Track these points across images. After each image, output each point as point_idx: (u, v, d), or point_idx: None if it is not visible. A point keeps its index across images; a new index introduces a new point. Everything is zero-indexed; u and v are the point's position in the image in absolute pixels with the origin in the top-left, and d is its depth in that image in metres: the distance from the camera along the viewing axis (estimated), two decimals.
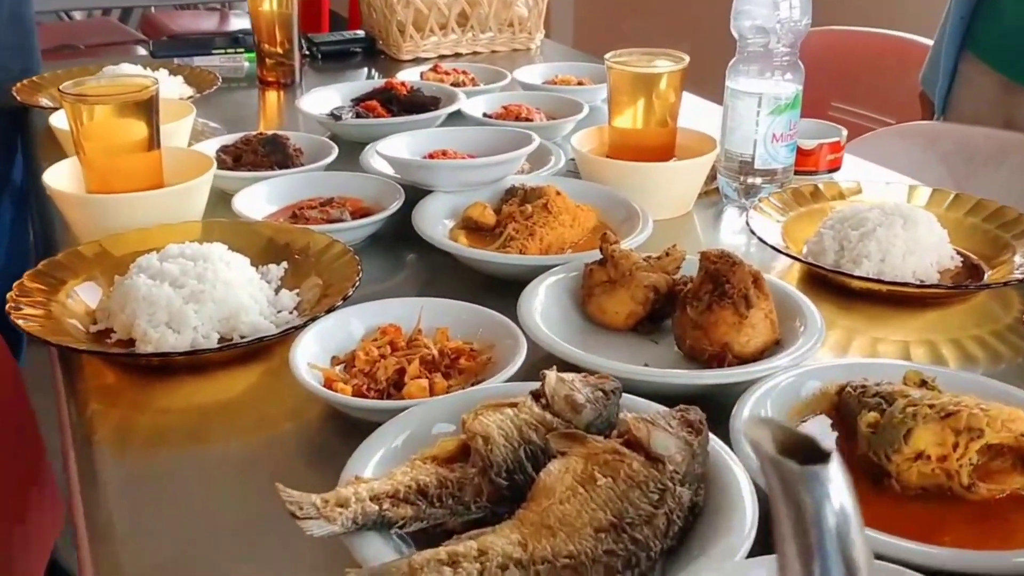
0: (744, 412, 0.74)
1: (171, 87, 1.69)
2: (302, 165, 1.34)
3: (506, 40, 2.16)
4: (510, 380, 0.81)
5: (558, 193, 1.14)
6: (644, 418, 0.67)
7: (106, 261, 1.01)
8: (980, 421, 0.67)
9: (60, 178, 1.13)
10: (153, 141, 1.12)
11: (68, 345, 0.85)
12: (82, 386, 0.89)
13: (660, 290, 0.92)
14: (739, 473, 0.67)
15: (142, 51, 3.90)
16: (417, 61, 2.03)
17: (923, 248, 1.03)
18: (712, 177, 1.30)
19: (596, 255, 0.96)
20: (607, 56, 1.26)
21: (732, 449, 0.70)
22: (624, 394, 0.74)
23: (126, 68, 1.65)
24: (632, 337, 0.93)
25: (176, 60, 1.97)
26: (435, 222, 1.13)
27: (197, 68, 1.82)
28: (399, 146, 1.25)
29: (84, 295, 0.96)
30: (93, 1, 4.67)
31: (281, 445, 0.81)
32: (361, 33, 2.16)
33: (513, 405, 0.70)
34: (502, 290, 0.97)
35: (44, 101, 1.63)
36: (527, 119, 1.54)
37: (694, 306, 0.87)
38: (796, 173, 1.32)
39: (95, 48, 4.05)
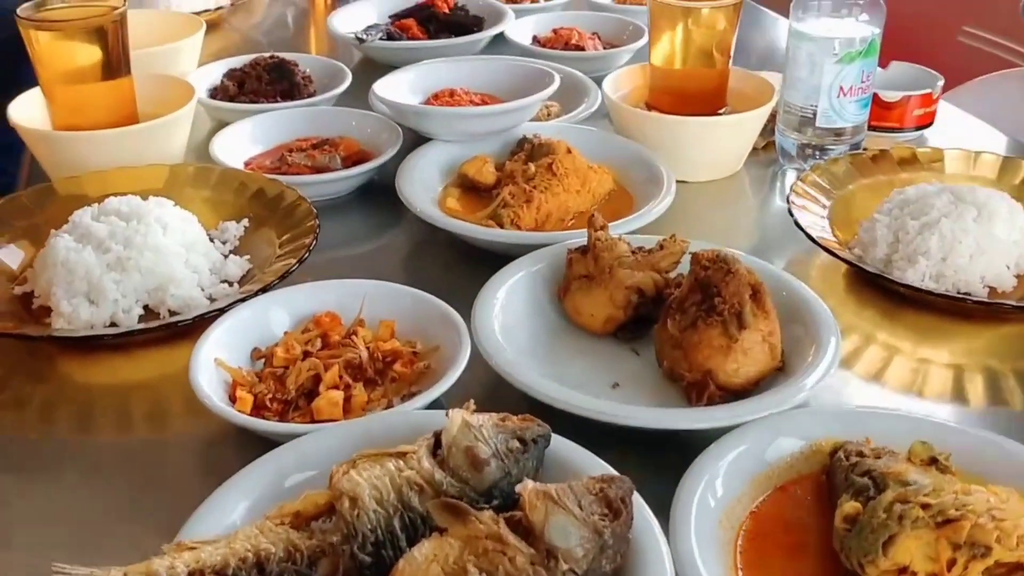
0: (698, 482, 0.59)
1: None
2: (310, 95, 1.21)
3: None
4: (449, 392, 0.68)
5: (569, 151, 0.98)
6: (546, 492, 0.53)
7: (49, 209, 0.92)
8: (988, 536, 0.51)
9: (28, 110, 1.03)
10: (118, 69, 1.01)
11: None
12: None
13: (646, 292, 0.76)
14: (666, 562, 0.53)
15: None
16: None
17: (998, 247, 0.84)
18: (770, 129, 1.11)
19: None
20: None
21: (669, 529, 0.55)
22: (556, 437, 0.60)
23: None
24: (610, 345, 0.78)
25: None
26: (426, 177, 0.99)
27: None
28: (403, 83, 1.10)
29: (6, 255, 0.87)
30: None
31: (177, 445, 0.71)
32: None
33: (401, 455, 0.57)
34: (494, 262, 0.83)
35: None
36: (577, 47, 1.36)
37: (676, 320, 0.71)
38: (875, 130, 1.11)
39: None
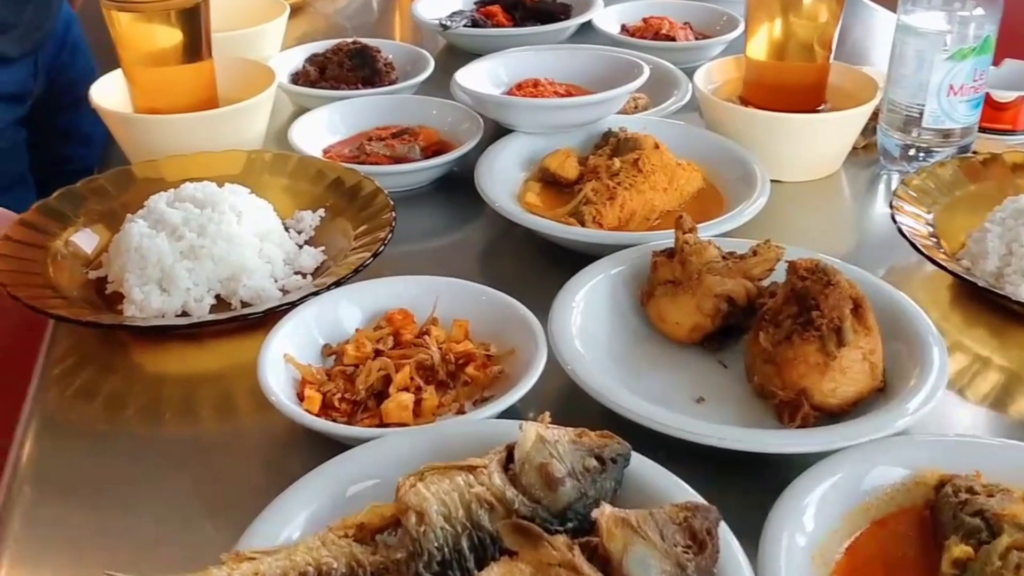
0: (789, 513, 0.54)
1: None
2: (392, 82, 1.19)
3: None
4: (523, 399, 0.65)
5: (656, 146, 0.93)
6: (625, 519, 0.49)
7: (126, 193, 0.91)
8: None
9: (109, 92, 1.03)
10: (199, 52, 1.00)
11: (22, 298, 0.74)
12: (59, 334, 0.79)
13: (737, 301, 0.71)
14: None
15: None
16: None
17: None
18: (871, 128, 1.05)
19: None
20: None
21: (757, 564, 0.51)
22: (636, 456, 0.56)
23: None
24: (695, 355, 0.73)
25: None
26: (506, 170, 0.95)
27: None
28: (486, 72, 1.07)
29: (82, 239, 0.86)
30: None
31: (244, 441, 0.69)
32: None
33: (471, 469, 0.54)
34: (574, 261, 0.79)
35: None
36: (668, 36, 1.31)
37: (770, 333, 0.67)
38: (986, 132, 1.04)
39: None
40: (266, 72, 1.08)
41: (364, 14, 1.65)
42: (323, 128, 1.06)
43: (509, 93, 1.05)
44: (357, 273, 0.78)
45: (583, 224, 0.87)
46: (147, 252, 0.79)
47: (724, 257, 0.73)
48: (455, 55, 1.35)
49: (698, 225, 0.77)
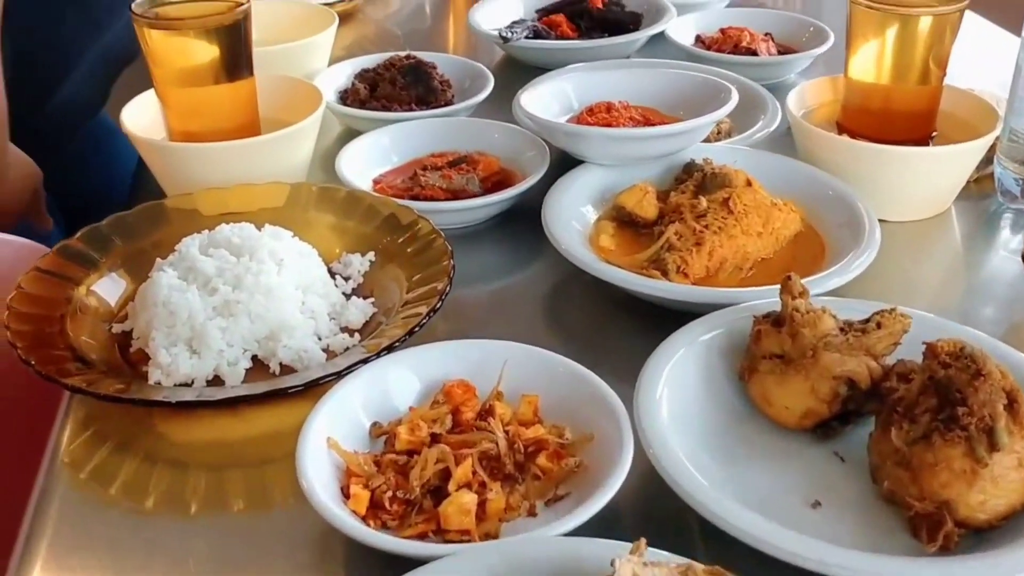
0: None
1: None
2: (448, 102, 1.09)
3: None
4: (611, 501, 0.55)
5: (748, 182, 0.83)
6: None
7: (157, 231, 0.82)
8: None
9: (141, 114, 0.94)
10: (239, 70, 0.91)
11: (33, 364, 0.65)
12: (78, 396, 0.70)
13: (859, 384, 0.60)
14: None
15: None
16: None
17: None
18: (986, 160, 0.93)
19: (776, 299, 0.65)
20: None
21: None
22: None
23: None
24: (807, 444, 0.63)
25: None
26: (576, 207, 0.85)
27: None
28: (552, 94, 0.96)
29: (106, 287, 0.77)
30: None
31: (280, 532, 0.60)
32: None
33: None
34: (656, 317, 0.69)
35: None
36: (748, 50, 1.19)
37: (904, 429, 0.56)
38: None
39: None
40: (312, 93, 0.99)
41: (416, 21, 1.56)
42: (374, 155, 0.97)
43: (579, 118, 0.95)
44: (411, 335, 0.69)
45: (666, 274, 0.76)
46: (176, 308, 0.70)
47: (842, 329, 0.62)
48: (515, 68, 1.25)
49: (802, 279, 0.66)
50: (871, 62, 0.91)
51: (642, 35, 1.22)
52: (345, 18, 1.45)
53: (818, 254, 0.80)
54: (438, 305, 0.71)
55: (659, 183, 0.89)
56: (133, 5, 0.86)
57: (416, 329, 0.69)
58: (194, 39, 0.87)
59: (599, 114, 0.93)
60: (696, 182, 0.85)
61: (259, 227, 0.79)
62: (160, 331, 0.70)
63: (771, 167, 0.88)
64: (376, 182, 0.95)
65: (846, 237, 0.79)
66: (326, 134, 1.08)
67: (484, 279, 0.87)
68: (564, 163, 0.91)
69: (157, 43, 0.87)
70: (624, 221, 0.85)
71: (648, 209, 0.84)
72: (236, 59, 0.91)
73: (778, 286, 0.65)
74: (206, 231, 0.78)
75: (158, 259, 0.77)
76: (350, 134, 1.08)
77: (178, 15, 0.88)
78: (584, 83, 0.98)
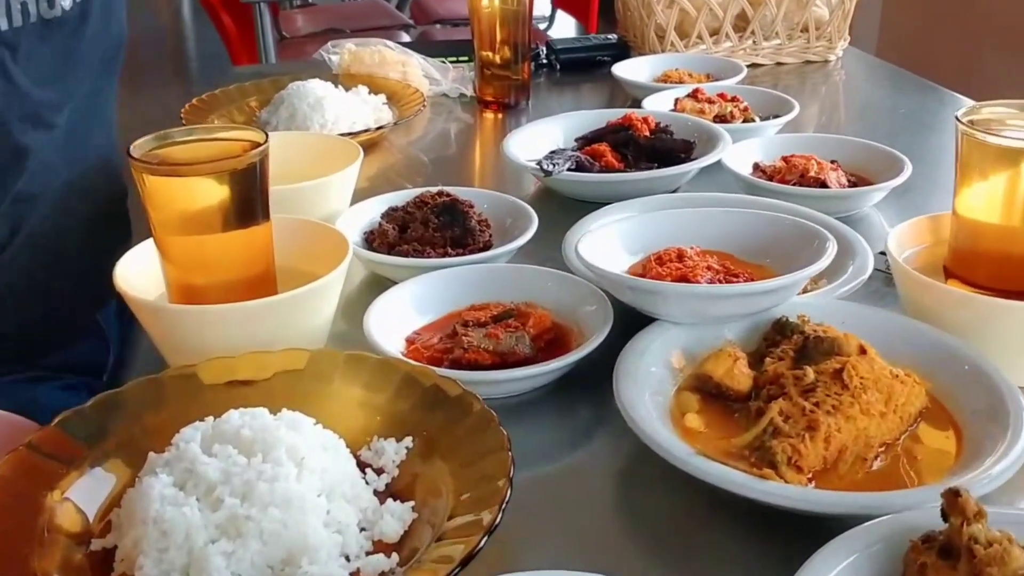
0: None
1: (364, 111, 1.36)
2: (487, 244, 0.97)
3: (796, 49, 1.68)
4: None
5: (863, 350, 0.69)
6: None
7: (153, 414, 0.68)
8: None
9: (138, 268, 0.82)
10: (253, 216, 0.79)
11: None
12: None
13: None
14: None
15: (405, 37, 3.73)
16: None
17: None
18: None
19: (929, 512, 0.51)
20: (959, 114, 0.78)
21: None
22: None
23: (313, 85, 1.34)
24: None
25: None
26: (652, 373, 0.71)
27: (404, 84, 1.48)
28: (612, 239, 0.84)
29: (83, 492, 0.63)
30: None
31: None
32: (612, 37, 1.75)
33: None
34: (760, 513, 0.55)
35: (219, 124, 1.36)
36: (818, 180, 1.07)
37: None
38: None
39: (360, 32, 3.92)
40: (337, 240, 0.86)
41: (441, 147, 1.45)
42: (407, 309, 0.84)
43: (647, 266, 0.82)
44: (464, 566, 0.54)
45: (775, 467, 0.62)
46: (170, 526, 0.56)
47: None
48: (555, 201, 1.14)
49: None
50: (986, 198, 0.78)
51: (696, 165, 1.11)
52: (369, 147, 1.34)
53: (948, 435, 0.66)
54: (498, 520, 0.57)
55: (744, 342, 0.76)
56: (132, 148, 0.74)
57: (471, 557, 0.54)
58: (202, 185, 0.75)
59: (670, 263, 0.80)
60: (795, 346, 0.71)
61: (275, 411, 0.65)
62: (149, 556, 0.55)
63: (881, 326, 0.74)
64: (410, 342, 0.82)
65: (983, 417, 0.65)
66: (350, 278, 0.96)
67: (538, 458, 0.72)
68: (629, 315, 0.78)
69: (157, 186, 0.75)
70: (711, 393, 0.71)
71: (740, 380, 0.70)
72: (249, 204, 0.79)
73: (925, 488, 0.51)
74: (211, 418, 0.64)
75: (151, 453, 0.63)
76: (376, 281, 0.96)
77: (184, 159, 0.76)
78: (648, 225, 0.86)
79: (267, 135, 0.78)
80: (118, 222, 1.24)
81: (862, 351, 0.69)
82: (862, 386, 0.66)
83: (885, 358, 0.70)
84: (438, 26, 4.04)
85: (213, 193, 0.77)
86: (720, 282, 0.77)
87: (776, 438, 0.64)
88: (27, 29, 0.92)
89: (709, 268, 0.79)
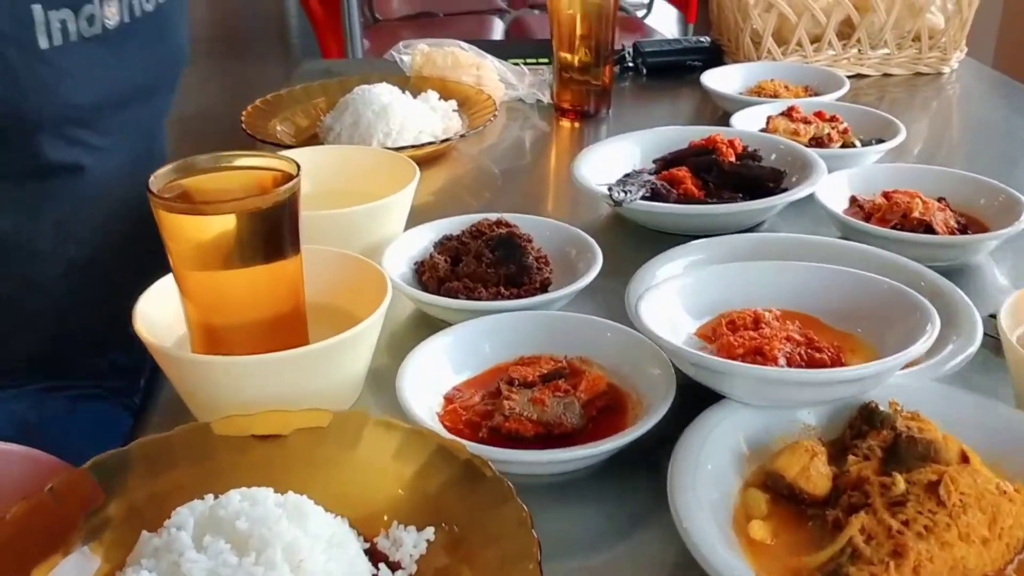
0: None
1: (432, 119, 1.28)
2: (544, 284, 0.88)
3: (907, 60, 1.54)
4: None
5: (965, 457, 0.59)
6: None
7: (156, 480, 0.62)
8: None
9: (157, 308, 0.76)
10: (280, 251, 0.71)
11: None
12: None
13: None
14: None
15: (499, 23, 3.65)
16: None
17: None
18: None
19: None
20: None
21: None
22: None
23: (380, 91, 1.27)
24: None
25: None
26: (714, 464, 0.62)
27: (477, 89, 1.40)
28: (680, 296, 0.74)
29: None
30: None
31: None
32: (705, 41, 1.64)
33: None
34: None
35: (282, 129, 1.30)
36: (922, 223, 0.95)
37: None
38: None
39: (452, 17, 3.86)
40: (376, 278, 0.79)
41: (515, 156, 1.36)
42: (449, 358, 0.76)
43: (715, 331, 0.72)
44: None
45: None
46: None
47: None
48: (627, 230, 1.05)
49: None
50: None
51: (784, 200, 1.00)
52: (436, 156, 1.27)
53: None
54: None
55: (825, 428, 0.66)
56: (151, 182, 0.68)
57: None
58: (223, 222, 0.68)
59: (744, 329, 0.70)
60: (884, 443, 0.61)
61: (289, 475, 0.58)
62: None
63: (987, 423, 0.63)
64: (449, 400, 0.74)
65: None
66: (399, 308, 0.89)
67: (581, 548, 0.64)
68: (696, 391, 0.69)
69: (175, 221, 0.69)
70: (782, 493, 0.61)
71: (817, 482, 0.60)
72: (276, 240, 0.72)
73: None
74: (210, 496, 0.58)
75: (144, 532, 0.57)
76: (422, 318, 0.89)
77: (207, 190, 0.70)
78: (722, 280, 0.76)
79: (299, 167, 0.71)
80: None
81: (964, 459, 0.58)
82: (962, 504, 0.56)
83: (990, 462, 0.59)
84: (536, 12, 3.94)
85: (235, 229, 0.70)
86: (801, 357, 0.67)
87: (855, 563, 0.54)
88: (68, 47, 0.87)
89: (788, 339, 0.69)
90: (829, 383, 0.62)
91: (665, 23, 4.20)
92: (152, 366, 1.16)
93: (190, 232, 0.69)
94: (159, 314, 0.75)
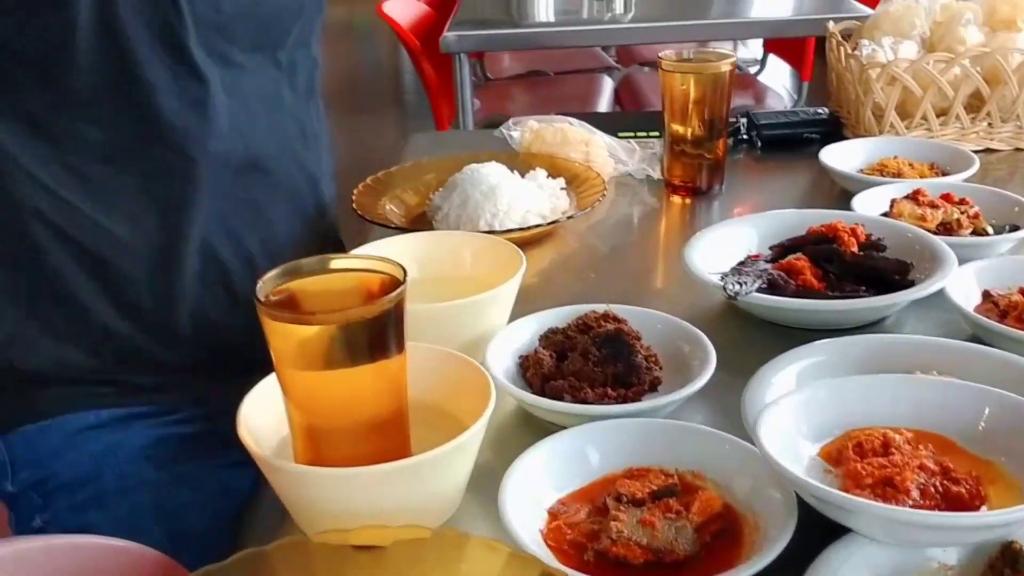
0: None
1: (540, 198, 1.27)
2: (653, 384, 0.84)
3: None
4: None
5: None
6: None
7: None
8: None
9: (261, 409, 0.75)
10: (385, 351, 0.70)
11: None
12: None
13: None
14: None
15: (608, 81, 3.64)
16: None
17: None
18: None
19: None
20: None
21: None
22: None
23: (488, 171, 1.26)
24: None
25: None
26: None
27: (586, 167, 1.38)
28: (797, 410, 0.70)
29: None
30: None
31: None
32: (823, 112, 1.58)
33: None
34: None
35: (391, 208, 1.31)
36: None
37: None
38: None
39: (561, 76, 3.88)
40: (480, 382, 0.77)
41: (622, 233, 1.33)
42: (553, 469, 0.73)
43: (843, 455, 0.67)
44: None
45: None
46: None
47: None
48: (744, 317, 1.00)
49: None
50: None
51: (911, 296, 0.94)
52: (544, 235, 1.25)
53: None
54: None
55: (963, 568, 0.60)
56: (258, 288, 0.67)
57: None
58: (327, 329, 0.67)
59: (872, 456, 0.65)
60: None
61: None
62: None
63: None
64: (553, 515, 0.71)
65: None
66: (499, 402, 0.86)
67: None
68: (822, 520, 0.64)
69: (280, 327, 0.68)
70: None
71: None
72: (381, 343, 0.71)
73: None
74: None
75: None
76: (525, 417, 0.86)
77: (313, 297, 0.69)
78: (846, 396, 0.71)
79: (405, 272, 0.70)
80: (326, 238, 1.21)
81: None
82: None
83: None
84: (645, 69, 3.93)
85: (340, 335, 0.69)
86: (936, 489, 0.62)
87: None
88: None
89: (922, 467, 0.63)
90: (970, 528, 0.57)
91: (778, 76, 4.13)
92: None
93: (295, 337, 0.69)
94: (262, 417, 0.74)
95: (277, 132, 1.08)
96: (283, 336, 0.68)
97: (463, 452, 0.71)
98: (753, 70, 3.81)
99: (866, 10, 2.36)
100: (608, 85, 3.60)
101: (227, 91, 0.98)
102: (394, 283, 0.70)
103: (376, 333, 0.69)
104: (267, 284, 0.68)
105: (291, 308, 0.69)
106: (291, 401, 0.72)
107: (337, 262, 0.73)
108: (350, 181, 1.32)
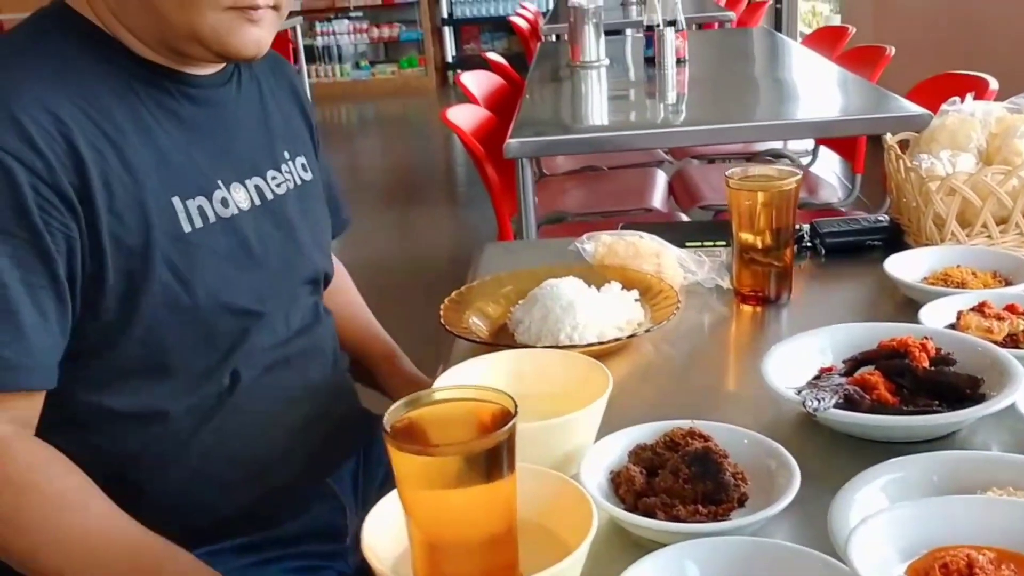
0: None
1: (616, 311, 1.33)
2: (741, 499, 0.89)
3: None
4: None
5: None
6: None
7: None
8: None
9: (381, 526, 0.82)
10: (499, 472, 0.76)
11: None
12: None
13: None
14: None
15: (662, 175, 3.70)
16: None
17: None
18: None
19: None
20: None
21: None
22: None
23: (566, 287, 1.33)
24: None
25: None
26: None
27: (659, 278, 1.45)
28: (883, 537, 0.74)
29: None
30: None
31: None
32: (884, 220, 1.64)
33: None
34: None
35: (475, 321, 1.38)
36: None
37: None
38: None
39: (615, 171, 3.99)
40: (579, 500, 0.83)
41: (696, 344, 1.39)
42: None
43: (925, 573, 0.72)
44: None
45: None
46: None
47: None
48: (819, 433, 1.05)
49: None
50: None
51: (983, 411, 0.98)
52: (620, 347, 1.31)
53: None
54: None
55: None
56: (385, 416, 0.74)
57: None
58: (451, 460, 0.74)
59: (956, 574, 0.70)
60: None
61: None
62: None
63: None
64: None
65: None
66: None
67: None
68: None
69: (406, 457, 0.75)
70: None
71: None
72: (496, 467, 0.77)
73: None
74: None
75: None
76: (616, 530, 0.91)
77: (433, 426, 0.76)
78: (931, 515, 0.76)
79: (516, 404, 0.77)
80: (340, 389, 1.31)
81: None
82: None
83: None
84: (695, 162, 4.03)
85: (460, 462, 0.76)
86: None
87: None
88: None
89: None
90: None
91: (830, 165, 4.19)
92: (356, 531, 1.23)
93: (419, 464, 0.75)
94: (382, 534, 0.81)
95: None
96: (407, 463, 0.75)
97: (573, 570, 0.76)
98: (805, 161, 3.87)
99: (916, 109, 2.41)
100: (662, 179, 3.67)
101: None
102: (505, 414, 0.76)
103: (492, 460, 0.75)
104: (392, 415, 0.76)
105: (413, 437, 0.76)
106: (412, 519, 0.79)
107: (452, 392, 0.80)
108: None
